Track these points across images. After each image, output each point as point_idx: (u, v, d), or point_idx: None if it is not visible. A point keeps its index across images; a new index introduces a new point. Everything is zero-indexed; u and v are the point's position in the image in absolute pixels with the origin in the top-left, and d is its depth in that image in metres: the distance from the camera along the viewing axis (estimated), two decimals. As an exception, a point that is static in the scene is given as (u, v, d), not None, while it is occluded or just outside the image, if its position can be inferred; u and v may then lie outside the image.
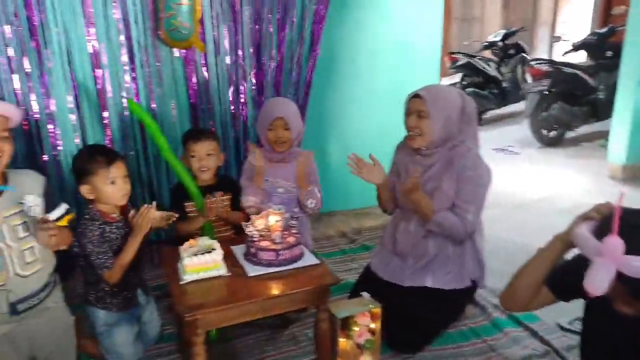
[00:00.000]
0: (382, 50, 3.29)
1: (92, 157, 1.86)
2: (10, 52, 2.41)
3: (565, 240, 1.35)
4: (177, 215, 2.00)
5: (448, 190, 2.13)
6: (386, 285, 2.26)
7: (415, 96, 2.12)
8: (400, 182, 2.24)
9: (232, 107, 2.92)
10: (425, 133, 2.11)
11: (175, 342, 2.25)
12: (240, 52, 2.83)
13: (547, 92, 5.38)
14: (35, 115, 2.54)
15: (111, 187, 1.85)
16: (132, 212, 1.92)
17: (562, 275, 1.45)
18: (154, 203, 1.88)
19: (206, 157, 2.26)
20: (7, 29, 2.38)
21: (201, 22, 2.67)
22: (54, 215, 1.77)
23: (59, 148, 2.61)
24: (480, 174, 2.13)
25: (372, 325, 1.82)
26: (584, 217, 1.28)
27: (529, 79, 5.61)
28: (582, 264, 1.19)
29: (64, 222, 1.82)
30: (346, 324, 1.75)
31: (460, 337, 2.26)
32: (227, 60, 2.83)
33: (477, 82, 6.70)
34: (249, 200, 2.28)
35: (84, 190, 1.86)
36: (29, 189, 1.76)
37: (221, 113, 2.89)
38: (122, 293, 1.95)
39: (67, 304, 1.95)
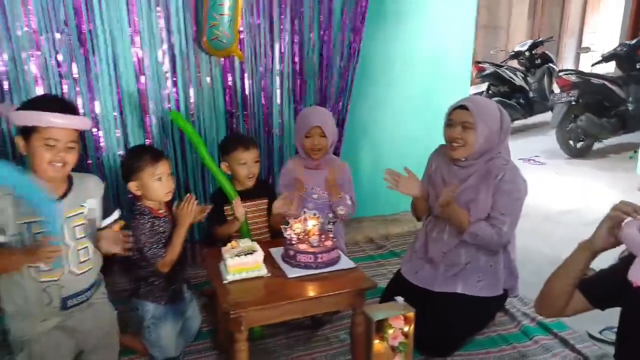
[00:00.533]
0: (414, 61, 3.34)
1: (140, 155, 2.01)
2: (60, 57, 2.53)
3: (589, 247, 1.38)
4: (210, 207, 2.13)
5: (484, 202, 2.17)
6: (417, 290, 2.30)
7: (461, 107, 2.16)
8: (437, 194, 2.27)
9: (267, 116, 3.00)
10: (469, 144, 2.14)
11: (211, 339, 2.33)
12: (278, 63, 2.92)
13: (574, 103, 5.36)
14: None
15: (157, 183, 1.99)
16: (175, 203, 2.06)
17: (598, 283, 1.49)
18: (193, 197, 2.02)
19: (254, 165, 2.36)
20: (58, 36, 2.50)
21: (241, 32, 2.77)
22: (108, 221, 1.90)
23: (102, 152, 2.72)
24: (517, 187, 2.16)
25: (406, 329, 1.87)
26: (610, 219, 1.32)
27: (556, 89, 5.60)
28: (618, 272, 1.22)
29: (115, 228, 1.94)
30: (381, 326, 1.81)
31: (490, 343, 2.29)
32: (265, 69, 2.92)
33: (503, 92, 6.70)
34: (277, 208, 2.32)
35: (133, 186, 1.99)
36: (92, 192, 1.87)
37: (256, 121, 2.98)
38: (170, 287, 2.09)
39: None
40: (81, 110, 2.63)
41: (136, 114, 2.75)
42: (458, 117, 2.15)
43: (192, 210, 2.01)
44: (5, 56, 2.44)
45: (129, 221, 2.02)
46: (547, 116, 6.90)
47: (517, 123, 7.00)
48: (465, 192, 2.21)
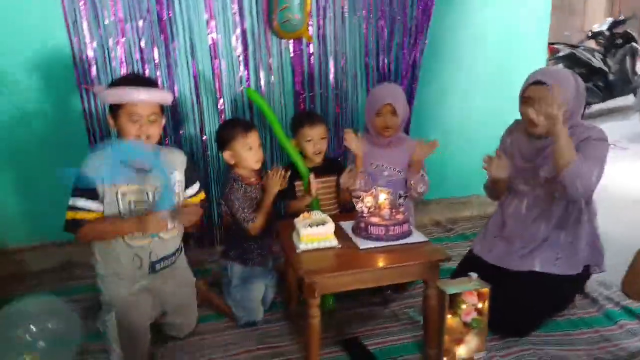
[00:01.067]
0: (486, 36, 3.25)
1: (233, 126, 2.22)
2: (143, 44, 2.69)
3: None
4: (290, 176, 2.28)
5: None
6: (491, 268, 2.25)
7: (537, 83, 2.08)
8: (515, 169, 2.21)
9: (336, 96, 3.04)
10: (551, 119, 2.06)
11: (282, 309, 2.40)
12: (346, 44, 2.95)
13: (661, 84, 5.01)
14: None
15: (248, 152, 2.18)
16: (264, 174, 2.25)
17: None
18: (281, 169, 2.20)
19: (320, 141, 2.42)
20: (141, 23, 2.66)
21: (310, 14, 2.81)
22: (190, 192, 2.04)
23: (180, 132, 2.86)
24: (604, 145, 2.06)
25: (480, 305, 1.85)
26: None
27: (640, 69, 5.25)
28: None
29: (196, 199, 2.06)
30: (454, 301, 1.80)
31: (569, 325, 2.21)
32: (333, 49, 2.95)
33: (580, 74, 6.34)
34: (343, 183, 2.37)
35: (227, 155, 2.20)
36: (177, 165, 2.02)
37: (322, 100, 3.03)
38: (257, 251, 2.27)
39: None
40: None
41: (211, 96, 2.87)
42: (535, 93, 2.07)
43: (279, 179, 2.19)
44: (95, 44, 2.62)
45: (225, 186, 2.21)
46: (629, 100, 6.48)
47: (596, 107, 6.62)
48: (544, 163, 2.13)
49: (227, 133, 2.21)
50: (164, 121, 2.04)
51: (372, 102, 2.44)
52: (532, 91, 2.08)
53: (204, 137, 2.91)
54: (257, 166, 2.24)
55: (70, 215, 1.86)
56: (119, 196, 1.88)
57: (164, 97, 1.98)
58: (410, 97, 3.08)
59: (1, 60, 2.57)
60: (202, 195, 2.16)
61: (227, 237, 2.32)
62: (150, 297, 2.02)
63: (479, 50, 3.25)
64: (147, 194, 1.92)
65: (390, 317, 2.33)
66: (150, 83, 2.00)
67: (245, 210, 2.17)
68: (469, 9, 3.18)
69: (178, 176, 2.01)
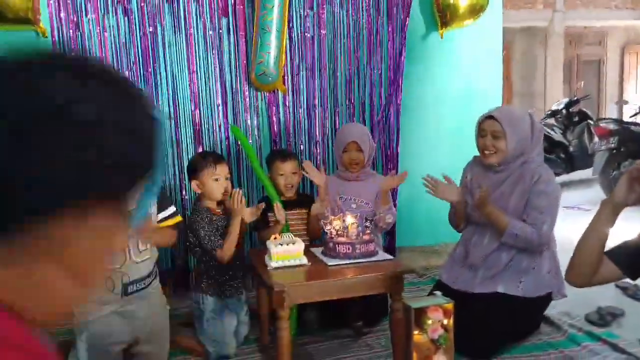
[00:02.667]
0: (447, 93, 3.55)
1: (204, 157, 2.32)
2: (128, 93, 2.89)
3: (611, 202, 1.43)
4: (264, 204, 2.35)
5: (518, 204, 2.25)
6: (458, 295, 2.32)
7: (489, 117, 2.31)
8: (474, 201, 2.37)
9: (306, 144, 3.24)
10: (500, 151, 2.26)
11: (256, 345, 2.40)
12: (318, 96, 3.20)
13: (615, 151, 5.36)
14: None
15: (215, 183, 2.24)
16: (227, 200, 2.28)
17: (629, 252, 1.52)
18: (240, 190, 2.26)
19: (292, 175, 2.56)
20: (127, 74, 2.87)
21: (285, 68, 3.08)
22: (162, 215, 2.11)
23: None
24: (554, 187, 2.25)
25: (445, 322, 1.91)
26: (630, 173, 1.39)
27: (595, 138, 5.63)
28: None
29: (169, 222, 2.14)
30: (420, 317, 1.86)
31: (535, 348, 2.26)
32: (305, 102, 3.19)
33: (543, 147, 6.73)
34: (314, 209, 2.50)
35: (194, 184, 2.26)
36: None
37: (296, 147, 3.22)
38: (229, 283, 2.28)
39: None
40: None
41: (191, 143, 3.03)
42: (488, 126, 2.30)
43: (240, 202, 2.21)
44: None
45: (191, 217, 2.27)
46: (589, 172, 6.85)
47: (559, 178, 6.95)
48: (501, 196, 2.29)
49: (196, 163, 2.30)
50: None
51: (339, 139, 2.64)
52: (486, 124, 2.30)
53: (183, 183, 3.03)
54: (221, 197, 2.30)
55: None
56: None
57: None
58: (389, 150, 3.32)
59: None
60: (178, 218, 2.21)
61: (198, 269, 2.34)
62: (123, 321, 2.01)
63: (443, 105, 3.53)
64: None
65: (362, 346, 2.35)
66: None
67: (212, 237, 2.20)
68: (432, 66, 3.49)
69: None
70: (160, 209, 2.14)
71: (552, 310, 2.47)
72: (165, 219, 2.15)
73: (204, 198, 2.29)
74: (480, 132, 2.34)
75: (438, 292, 2.03)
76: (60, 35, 2.76)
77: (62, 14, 2.74)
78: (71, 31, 2.77)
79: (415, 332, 1.87)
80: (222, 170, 2.27)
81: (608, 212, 1.46)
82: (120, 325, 2.00)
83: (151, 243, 2.03)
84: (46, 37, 2.73)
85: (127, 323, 2.02)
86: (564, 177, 7.00)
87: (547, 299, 2.31)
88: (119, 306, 2.00)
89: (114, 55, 2.84)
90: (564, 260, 2.24)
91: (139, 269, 2.02)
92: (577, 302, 2.43)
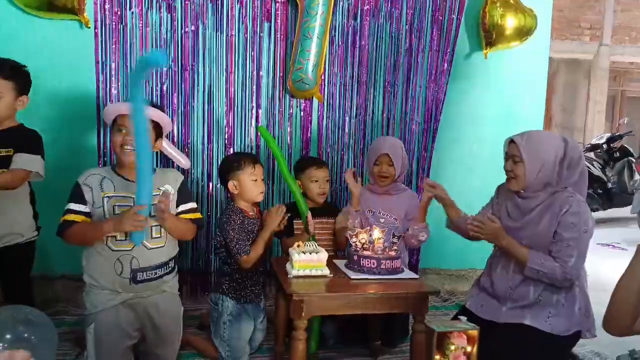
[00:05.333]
0: (486, 118, 3.45)
1: (241, 157, 2.29)
2: (164, 88, 2.90)
3: None
4: (289, 215, 2.28)
5: (547, 235, 2.13)
6: (481, 322, 2.21)
7: (511, 141, 2.22)
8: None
9: (338, 153, 3.20)
10: (519, 176, 2.15)
11: (269, 354, 2.33)
12: (354, 109, 3.16)
13: (657, 190, 5.14)
14: (174, 142, 2.95)
15: (254, 183, 2.21)
16: (265, 211, 2.26)
17: None
18: (282, 206, 2.22)
19: (325, 183, 2.54)
20: (164, 70, 2.89)
21: (323, 77, 3.05)
22: (182, 207, 2.08)
23: (188, 176, 2.97)
24: (584, 219, 2.12)
25: (469, 349, 1.80)
26: None
27: (636, 176, 5.42)
28: None
29: (189, 216, 2.10)
30: (442, 341, 1.76)
31: (562, 387, 2.12)
32: (340, 113, 3.15)
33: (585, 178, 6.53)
34: (338, 222, 2.47)
35: (231, 185, 2.22)
36: (170, 181, 2.09)
37: (329, 156, 3.18)
38: (250, 288, 2.23)
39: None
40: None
41: (222, 145, 3.02)
42: (509, 150, 2.20)
43: (280, 217, 2.20)
44: (119, 84, 2.84)
45: (223, 216, 2.24)
46: (627, 210, 6.60)
47: (596, 215, 6.72)
48: (529, 225, 2.18)
49: (234, 163, 2.25)
50: (161, 142, 2.16)
51: (371, 151, 2.58)
52: (509, 148, 2.21)
53: (210, 184, 3.01)
54: (260, 198, 2.28)
55: (62, 219, 1.95)
56: (105, 199, 1.95)
57: (154, 112, 2.08)
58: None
59: (31, 92, 2.75)
60: (198, 215, 2.17)
61: (220, 270, 2.30)
62: (132, 314, 1.99)
63: (480, 127, 3.43)
64: (133, 200, 1.95)
65: (379, 367, 2.26)
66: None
67: (240, 242, 2.15)
68: (473, 85, 3.41)
69: (169, 188, 2.06)
70: (180, 202, 2.11)
71: (581, 348, 2.36)
72: (186, 212, 2.12)
73: (239, 199, 2.25)
74: (505, 155, 2.26)
75: (463, 318, 1.93)
76: (103, 27, 2.79)
77: (107, 6, 2.78)
78: (114, 24, 2.80)
79: (437, 357, 1.77)
80: (260, 171, 2.26)
81: None
82: (129, 319, 1.98)
83: (165, 228, 2.00)
84: (89, 27, 2.77)
85: (136, 317, 2.00)
86: (601, 214, 6.76)
87: (576, 336, 2.17)
88: (129, 297, 1.98)
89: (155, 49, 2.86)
90: (596, 298, 2.14)
91: (150, 257, 1.99)
92: (608, 342, 2.29)
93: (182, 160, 2.79)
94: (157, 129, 2.10)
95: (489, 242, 2.20)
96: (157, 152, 2.59)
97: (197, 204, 2.24)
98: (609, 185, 6.54)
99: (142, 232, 1.88)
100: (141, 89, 1.82)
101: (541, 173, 2.12)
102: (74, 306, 2.76)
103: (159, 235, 2.01)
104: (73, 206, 1.95)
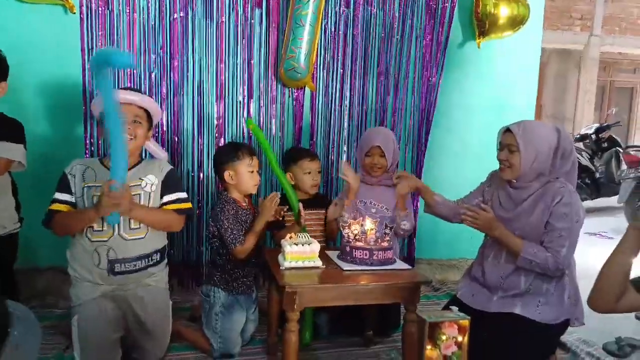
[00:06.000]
0: (479, 106, 3.44)
1: (239, 147, 2.26)
2: (153, 77, 2.84)
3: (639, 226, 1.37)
4: (286, 208, 2.30)
5: (537, 225, 2.13)
6: (472, 312, 2.21)
7: (507, 130, 2.21)
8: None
9: (330, 144, 3.17)
10: (514, 166, 2.15)
11: (262, 346, 2.32)
12: (347, 98, 3.13)
13: (644, 180, 5.19)
14: (162, 134, 2.91)
15: (250, 174, 2.21)
16: (260, 198, 2.25)
17: None
18: (277, 193, 2.20)
19: (317, 174, 2.53)
20: (153, 58, 2.83)
21: (316, 65, 3.01)
22: (167, 198, 2.04)
23: (178, 165, 2.93)
24: (576, 209, 2.12)
25: (460, 339, 1.81)
26: None
27: (623, 165, 5.46)
28: None
29: (174, 206, 2.06)
30: (434, 331, 1.77)
31: (552, 376, 2.14)
32: (333, 103, 3.12)
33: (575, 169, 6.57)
34: (330, 213, 2.47)
35: (227, 175, 2.20)
36: (154, 171, 2.07)
37: (321, 147, 3.15)
38: (242, 279, 2.23)
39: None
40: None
41: (211, 135, 2.98)
42: (505, 139, 2.19)
43: (274, 205, 2.18)
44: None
45: (216, 206, 2.21)
46: (614, 200, 6.66)
47: (584, 204, 6.76)
48: (521, 215, 2.18)
49: (232, 153, 2.23)
50: (150, 132, 2.15)
51: (363, 143, 2.56)
52: (504, 137, 2.20)
53: (201, 174, 2.97)
54: (254, 190, 2.27)
55: (48, 208, 1.95)
56: (85, 189, 1.94)
57: (145, 101, 2.06)
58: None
59: (15, 81, 2.68)
60: (187, 205, 2.11)
61: (213, 261, 2.28)
62: (114, 307, 1.97)
63: (473, 116, 3.42)
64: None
65: (371, 356, 2.27)
66: (135, 90, 2.12)
67: (234, 232, 2.14)
68: (465, 75, 3.39)
69: (152, 179, 2.04)
70: (165, 192, 2.07)
71: (569, 336, 2.38)
72: (171, 202, 2.08)
73: (233, 189, 2.24)
74: (499, 144, 2.24)
75: (455, 308, 1.93)
76: (89, 12, 2.72)
77: (93, -9, 2.71)
78: (100, 9, 2.72)
79: (428, 346, 1.78)
80: (256, 163, 2.26)
81: (633, 240, 1.39)
82: (112, 311, 1.96)
83: (135, 219, 1.95)
84: (74, 13, 2.70)
85: (119, 309, 1.98)
86: (589, 203, 6.82)
87: (564, 325, 2.19)
88: (110, 289, 1.96)
89: (142, 38, 2.80)
90: (583, 287, 2.15)
91: (127, 248, 1.96)
92: (595, 330, 2.33)
93: (161, 154, 2.72)
94: (149, 118, 2.08)
95: (481, 232, 2.20)
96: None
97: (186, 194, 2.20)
98: (597, 175, 6.59)
99: (117, 212, 1.84)
100: (106, 73, 1.77)
101: (536, 162, 2.11)
102: (61, 299, 2.72)
103: (138, 227, 1.97)
104: (59, 195, 1.95)
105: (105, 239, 1.92)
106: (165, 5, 2.82)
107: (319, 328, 2.43)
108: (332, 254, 2.13)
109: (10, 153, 2.06)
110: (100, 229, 1.91)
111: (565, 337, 2.31)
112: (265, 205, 2.18)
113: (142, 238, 1.98)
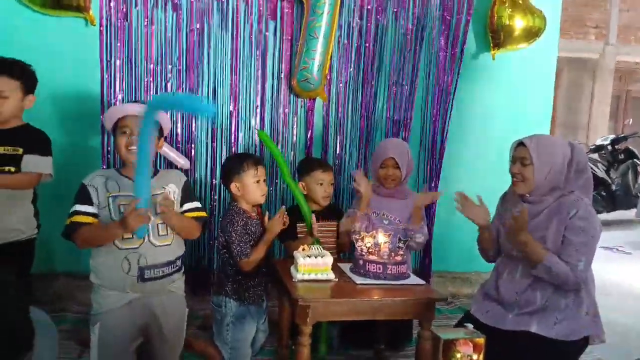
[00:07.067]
0: (494, 117, 3.42)
1: (244, 158, 2.25)
2: (169, 87, 2.88)
3: None
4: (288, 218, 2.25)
5: (555, 240, 2.10)
6: (487, 330, 2.18)
7: (520, 144, 2.19)
8: (507, 223, 2.24)
9: (341, 153, 3.17)
10: (527, 180, 2.13)
11: (272, 356, 2.31)
12: (359, 108, 3.13)
13: (662, 193, 5.11)
14: (178, 141, 2.94)
15: (256, 185, 2.19)
16: (267, 215, 2.22)
17: None
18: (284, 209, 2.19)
19: (329, 186, 2.52)
20: (169, 69, 2.86)
21: (328, 76, 3.02)
22: (187, 206, 2.06)
23: (192, 174, 2.95)
24: (592, 224, 2.09)
25: (475, 357, 1.78)
26: None
27: (641, 179, 5.38)
28: None
29: (193, 214, 2.08)
30: (448, 349, 1.74)
31: (568, 395, 2.10)
32: (345, 113, 3.12)
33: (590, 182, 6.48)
34: (343, 225, 2.45)
35: (234, 187, 2.20)
36: (173, 180, 2.09)
37: (333, 157, 3.16)
38: (253, 289, 2.21)
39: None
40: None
41: (226, 144, 3.00)
42: (517, 153, 2.17)
43: (280, 225, 2.17)
44: (124, 84, 2.82)
45: (226, 216, 2.22)
46: (631, 213, 6.56)
47: (600, 217, 6.66)
48: (536, 229, 2.15)
49: (236, 165, 2.24)
50: (161, 142, 2.15)
51: (377, 154, 2.56)
52: (517, 151, 2.18)
53: (214, 182, 2.99)
54: (262, 200, 2.26)
55: (68, 220, 1.93)
56: (110, 200, 1.94)
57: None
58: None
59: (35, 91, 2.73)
60: (203, 214, 2.13)
61: (224, 271, 2.28)
62: (138, 315, 1.97)
63: (488, 128, 3.40)
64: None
65: (382, 372, 2.24)
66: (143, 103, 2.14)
67: (241, 244, 2.14)
68: (480, 87, 3.37)
69: (172, 187, 2.06)
70: (185, 200, 2.10)
71: (588, 356, 2.32)
72: (190, 211, 2.10)
73: (241, 200, 2.23)
74: (512, 158, 2.23)
75: (470, 325, 1.90)
76: (108, 25, 2.76)
77: (112, 3, 2.75)
78: (119, 22, 2.77)
79: (442, 364, 1.76)
80: (262, 172, 2.24)
81: None
82: (134, 320, 1.96)
83: (171, 226, 1.98)
84: (94, 25, 2.74)
85: (142, 318, 1.98)
86: (604, 216, 6.72)
87: (583, 343, 2.15)
88: (137, 296, 1.96)
89: (159, 49, 2.84)
90: (599, 303, 2.11)
91: (157, 254, 1.97)
92: (616, 350, 2.28)
93: (181, 161, 2.76)
94: (159, 129, 2.10)
95: (508, 238, 2.17)
96: (157, 154, 2.58)
97: (200, 203, 2.22)
98: (613, 187, 6.49)
99: (144, 225, 1.86)
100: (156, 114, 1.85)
101: (550, 175, 2.09)
102: (76, 304, 2.75)
103: (165, 233, 1.99)
104: (80, 207, 1.93)
105: (136, 246, 1.93)
106: (182, 18, 2.86)
107: (329, 340, 2.42)
108: (345, 267, 2.12)
109: (42, 167, 2.13)
110: (130, 236, 1.92)
111: (583, 357, 2.25)
112: (273, 223, 2.17)
113: (169, 245, 2.00)
